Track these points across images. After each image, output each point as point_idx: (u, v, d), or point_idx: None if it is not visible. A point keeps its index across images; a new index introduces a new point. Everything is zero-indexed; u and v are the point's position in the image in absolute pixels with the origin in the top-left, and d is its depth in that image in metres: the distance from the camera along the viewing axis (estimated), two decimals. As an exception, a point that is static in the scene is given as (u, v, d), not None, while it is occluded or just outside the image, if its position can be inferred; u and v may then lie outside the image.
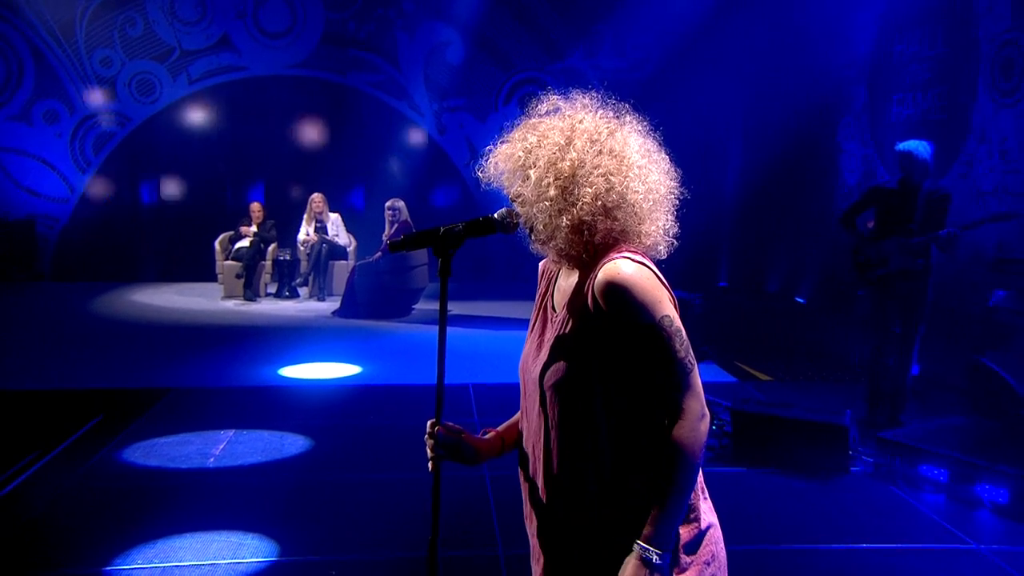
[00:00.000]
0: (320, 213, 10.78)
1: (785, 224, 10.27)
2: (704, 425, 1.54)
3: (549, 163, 1.59)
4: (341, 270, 10.55)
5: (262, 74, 12.11)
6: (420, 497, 3.79)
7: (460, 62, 12.29)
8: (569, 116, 1.65)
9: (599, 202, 1.57)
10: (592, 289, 1.57)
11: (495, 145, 1.68)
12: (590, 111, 1.66)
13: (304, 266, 10.76)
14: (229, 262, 10.63)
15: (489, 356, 7.31)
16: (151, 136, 12.00)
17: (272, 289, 10.93)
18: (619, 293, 1.53)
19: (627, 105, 1.70)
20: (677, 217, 1.68)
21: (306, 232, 10.79)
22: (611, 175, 1.58)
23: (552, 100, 1.69)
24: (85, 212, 11.91)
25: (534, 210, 1.61)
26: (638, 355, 1.55)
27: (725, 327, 8.21)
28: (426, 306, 10.10)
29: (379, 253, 9.53)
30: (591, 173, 1.58)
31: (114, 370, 6.80)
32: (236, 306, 10.11)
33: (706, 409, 1.56)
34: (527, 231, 1.65)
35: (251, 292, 10.40)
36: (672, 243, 1.67)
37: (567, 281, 1.69)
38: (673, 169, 1.69)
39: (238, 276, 10.38)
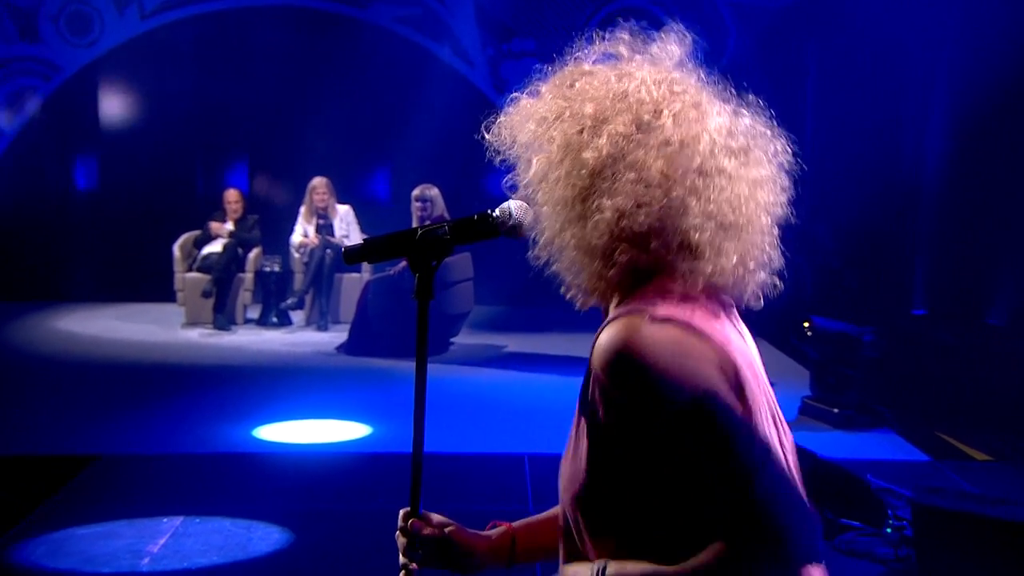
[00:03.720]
0: (324, 205, 10.91)
1: (1019, 225, 9.96)
2: (772, 560, 1.45)
3: (566, 147, 1.56)
4: (351, 287, 10.64)
5: (244, 5, 12.37)
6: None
7: (528, -14, 12.38)
8: (619, 75, 1.59)
9: (623, 223, 1.52)
10: (592, 359, 1.54)
11: (518, 96, 1.67)
12: (656, 68, 1.60)
13: (300, 281, 10.88)
14: (193, 274, 10.81)
15: (557, 414, 7.21)
16: (88, 94, 12.36)
17: (253, 313, 11.08)
18: (624, 370, 1.48)
19: (712, 74, 1.64)
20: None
21: (303, 232, 10.94)
22: (649, 184, 1.51)
23: (623, 38, 1.64)
24: (-6, 203, 12.31)
25: (538, 212, 1.61)
26: (671, 462, 1.49)
27: (918, 377, 7.97)
28: (471, 339, 10.11)
29: (403, 263, 9.60)
30: (620, 176, 1.52)
31: (23, 429, 6.94)
32: (202, 337, 10.27)
33: (783, 532, 1.45)
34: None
35: (223, 317, 10.57)
36: (772, 284, 1.61)
37: None
38: (783, 178, 1.63)
39: (206, 295, 10.58)
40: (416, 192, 9.66)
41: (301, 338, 10.31)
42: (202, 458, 6.30)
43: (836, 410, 7.02)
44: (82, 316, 11.39)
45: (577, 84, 1.60)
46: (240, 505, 5.42)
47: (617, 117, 1.54)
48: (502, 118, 1.67)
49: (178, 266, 10.98)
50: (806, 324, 7.37)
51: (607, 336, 1.50)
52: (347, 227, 10.94)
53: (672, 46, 1.62)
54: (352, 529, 5.15)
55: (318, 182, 10.93)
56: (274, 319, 10.82)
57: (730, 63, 10.66)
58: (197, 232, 11.18)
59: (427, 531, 1.72)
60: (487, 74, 12.52)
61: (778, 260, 1.62)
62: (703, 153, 1.53)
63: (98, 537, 5.01)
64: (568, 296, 1.67)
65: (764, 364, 1.65)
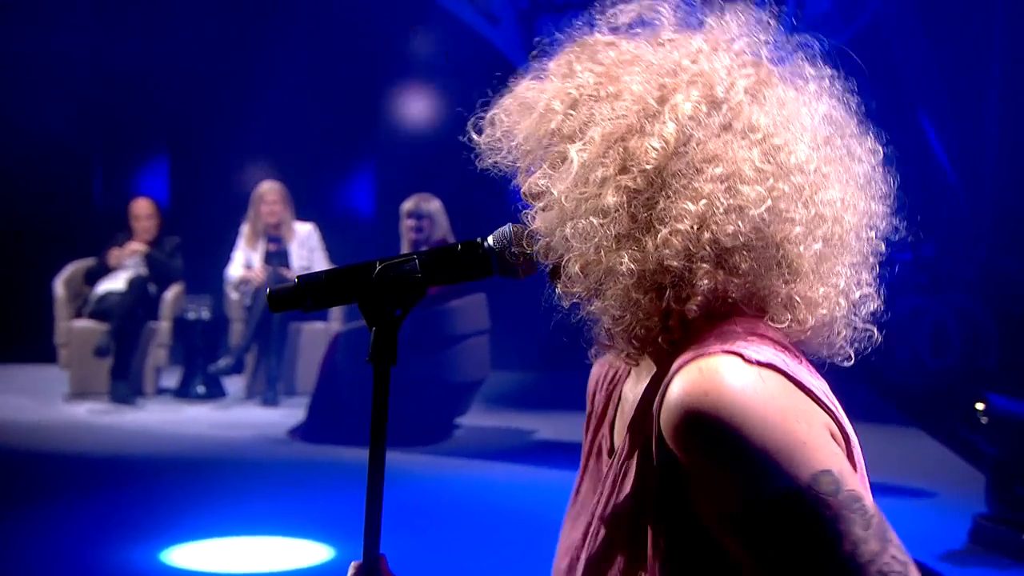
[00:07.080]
0: (275, 223, 11.00)
1: None
2: None
3: (612, 138, 1.63)
4: (312, 342, 10.74)
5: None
6: None
7: (575, -91, 12.40)
8: (672, 43, 1.70)
9: (706, 235, 1.58)
10: (659, 415, 1.58)
11: (513, 83, 1.78)
12: (717, 38, 1.71)
13: (239, 333, 10.94)
14: (83, 322, 10.88)
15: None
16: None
17: (170, 381, 11.15)
18: (711, 432, 1.53)
19: (791, 37, 1.72)
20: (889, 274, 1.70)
21: (246, 262, 11.02)
22: (742, 181, 1.59)
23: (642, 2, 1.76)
24: None
25: (567, 231, 1.65)
26: (772, 559, 1.53)
27: None
28: (485, 420, 10.18)
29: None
30: (698, 171, 1.60)
31: None
32: (93, 415, 10.31)
33: None
34: (547, 273, 1.72)
35: (126, 386, 10.59)
36: (868, 333, 1.71)
37: (635, 390, 1.75)
38: (885, 172, 1.73)
39: (101, 352, 10.58)
40: (408, 205, 9.70)
41: (239, 416, 10.34)
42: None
43: (1025, 535, 6.99)
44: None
45: (611, 56, 1.70)
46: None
47: (679, 94, 1.63)
48: (502, 101, 1.77)
49: (61, 311, 11.04)
50: (980, 406, 7.26)
51: (686, 385, 1.55)
52: (309, 255, 11.01)
53: (728, 16, 1.73)
54: None
55: (268, 189, 11.01)
56: (200, 389, 10.87)
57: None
58: (91, 261, 11.24)
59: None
60: (516, 36, 12.50)
61: (875, 296, 1.72)
62: (796, 141, 1.64)
63: None
64: (609, 350, 1.72)
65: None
